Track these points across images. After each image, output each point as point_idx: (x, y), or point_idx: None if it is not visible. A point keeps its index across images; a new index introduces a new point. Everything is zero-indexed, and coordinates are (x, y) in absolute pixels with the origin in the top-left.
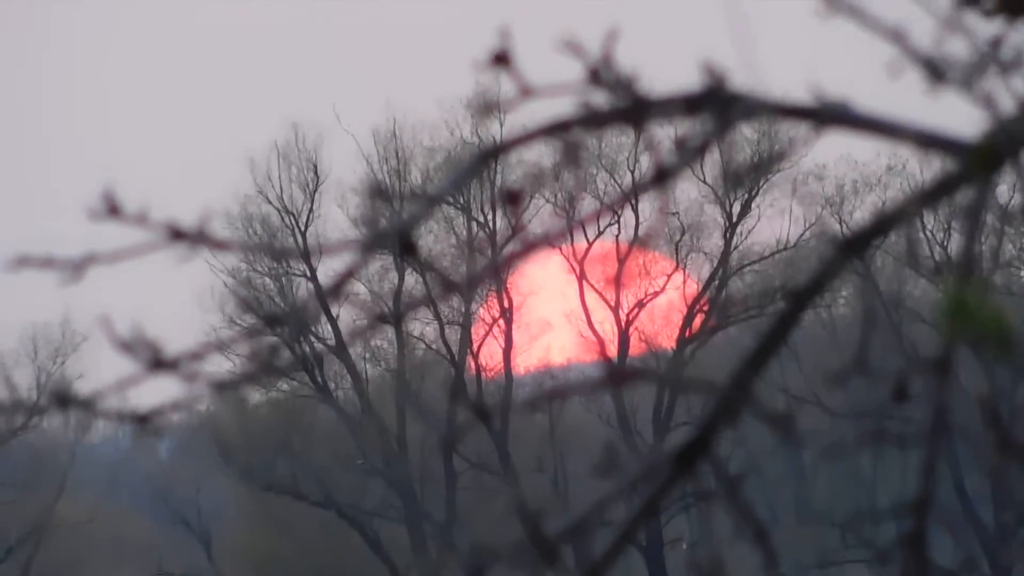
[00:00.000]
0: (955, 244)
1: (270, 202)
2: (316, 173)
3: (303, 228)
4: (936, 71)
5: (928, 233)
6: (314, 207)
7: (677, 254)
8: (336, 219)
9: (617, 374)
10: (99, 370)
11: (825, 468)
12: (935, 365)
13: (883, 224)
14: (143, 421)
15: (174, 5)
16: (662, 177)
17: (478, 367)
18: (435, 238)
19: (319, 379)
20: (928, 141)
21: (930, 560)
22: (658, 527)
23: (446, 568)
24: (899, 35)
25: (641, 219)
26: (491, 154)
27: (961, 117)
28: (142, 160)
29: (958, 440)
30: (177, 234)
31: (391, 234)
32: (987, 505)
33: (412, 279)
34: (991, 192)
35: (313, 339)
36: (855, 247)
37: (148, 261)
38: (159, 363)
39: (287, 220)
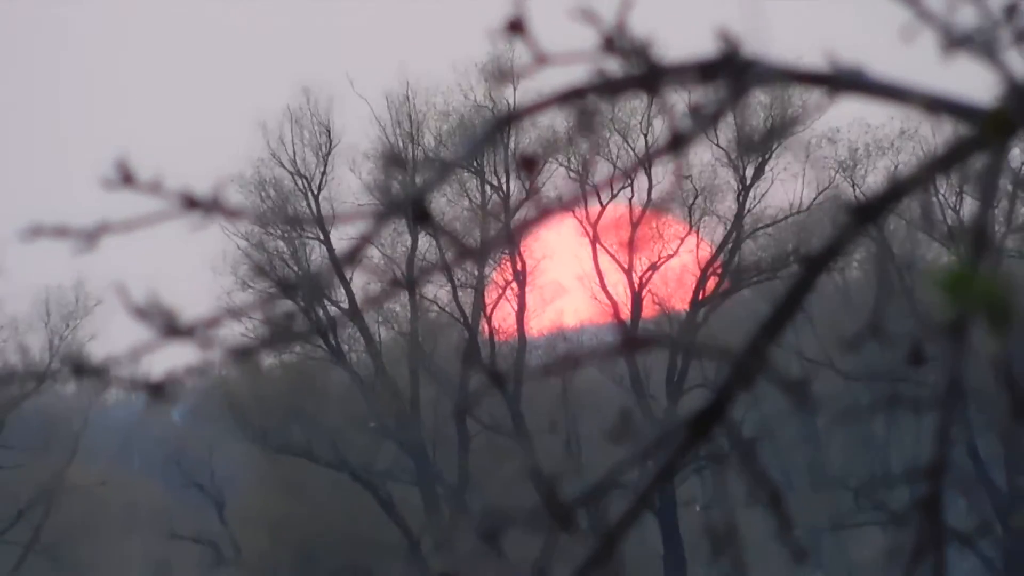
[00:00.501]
0: (968, 208)
1: (283, 165)
2: (329, 137)
3: (316, 191)
4: (952, 36)
5: (941, 197)
6: (327, 170)
7: (690, 217)
8: (349, 182)
9: (631, 341)
10: (111, 333)
11: (839, 432)
12: (950, 329)
13: (897, 190)
14: (157, 389)
15: None
16: (677, 144)
17: (491, 330)
18: (448, 202)
19: (333, 342)
20: (942, 106)
21: (946, 524)
22: (671, 489)
23: (459, 530)
24: None
25: (655, 183)
26: (505, 121)
27: (973, 84)
28: (156, 126)
29: (971, 403)
30: (191, 203)
31: (405, 203)
32: (1000, 467)
33: (426, 242)
34: (1005, 158)
35: (327, 303)
36: (869, 214)
37: (162, 228)
38: (174, 330)
39: (300, 183)
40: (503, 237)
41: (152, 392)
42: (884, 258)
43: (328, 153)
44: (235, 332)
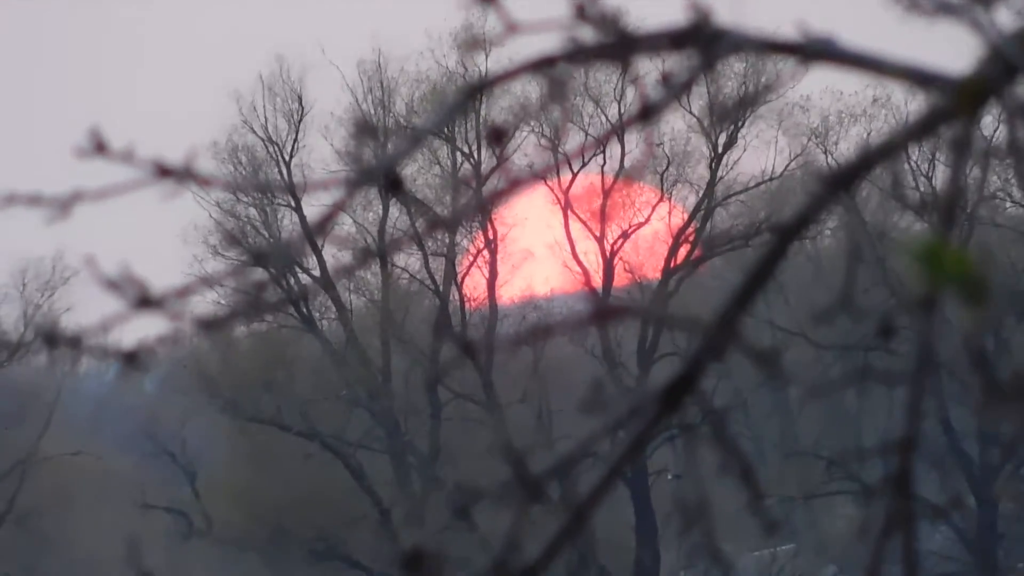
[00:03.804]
0: (940, 176)
1: (255, 132)
2: (301, 104)
3: (287, 158)
4: (928, 1)
5: (913, 165)
6: (299, 137)
7: (662, 185)
8: (321, 150)
9: (603, 311)
10: (87, 304)
11: (811, 403)
12: (921, 301)
13: (869, 158)
14: (130, 358)
15: None
16: (647, 113)
17: (462, 298)
18: (420, 170)
19: (304, 311)
20: (914, 76)
21: (916, 497)
22: (643, 459)
23: (430, 500)
24: None
25: (627, 150)
26: (476, 89)
27: (948, 52)
28: (131, 97)
29: (945, 376)
30: (164, 171)
31: (377, 171)
32: (973, 439)
33: (397, 210)
34: (977, 126)
35: (299, 272)
36: (841, 182)
37: (136, 197)
38: (145, 301)
39: (271, 151)
40: (474, 205)
41: (124, 361)
42: (856, 227)
43: (300, 120)
44: (207, 301)
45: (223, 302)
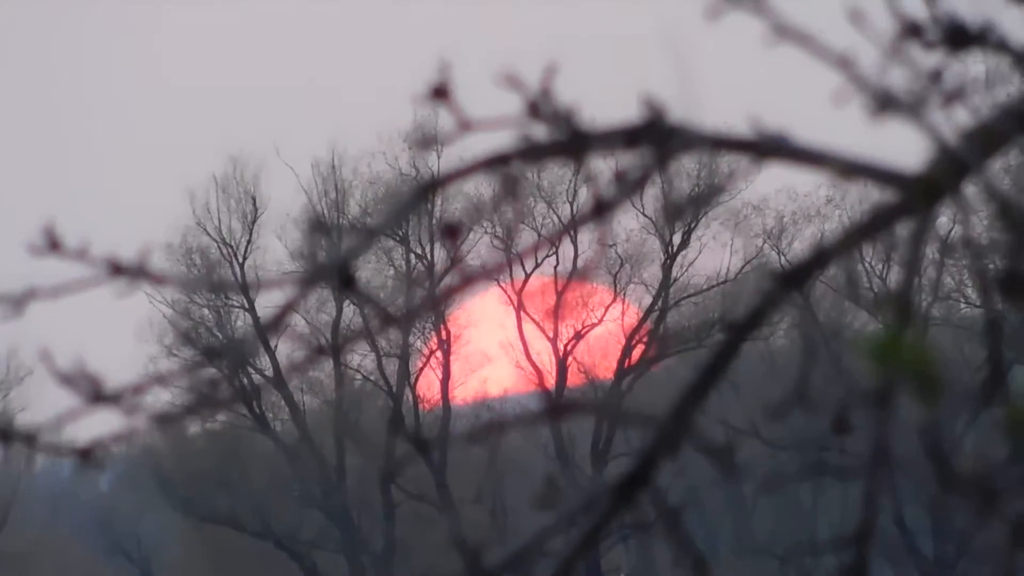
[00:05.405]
0: (894, 275)
1: (208, 234)
2: (255, 205)
3: (241, 260)
4: (881, 100)
5: (868, 265)
6: (252, 239)
7: (616, 285)
8: (275, 250)
9: (556, 407)
10: (43, 403)
11: (765, 499)
12: (875, 397)
13: (822, 257)
14: (84, 455)
15: (112, 38)
16: (601, 210)
17: (415, 398)
18: (373, 270)
19: (257, 410)
20: (869, 172)
21: None
22: (596, 557)
23: None
24: (846, 62)
25: (580, 250)
26: (429, 187)
27: (902, 149)
28: (83, 195)
29: (898, 470)
30: (117, 269)
31: (330, 268)
32: (927, 536)
33: (350, 311)
34: (931, 224)
35: (251, 371)
36: (794, 280)
37: (90, 297)
38: (100, 396)
39: (225, 252)
40: (427, 304)
41: (79, 458)
42: (809, 325)
43: (254, 221)
44: (161, 399)
45: (176, 401)
